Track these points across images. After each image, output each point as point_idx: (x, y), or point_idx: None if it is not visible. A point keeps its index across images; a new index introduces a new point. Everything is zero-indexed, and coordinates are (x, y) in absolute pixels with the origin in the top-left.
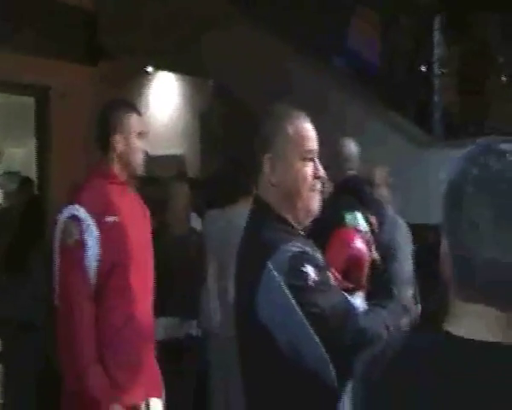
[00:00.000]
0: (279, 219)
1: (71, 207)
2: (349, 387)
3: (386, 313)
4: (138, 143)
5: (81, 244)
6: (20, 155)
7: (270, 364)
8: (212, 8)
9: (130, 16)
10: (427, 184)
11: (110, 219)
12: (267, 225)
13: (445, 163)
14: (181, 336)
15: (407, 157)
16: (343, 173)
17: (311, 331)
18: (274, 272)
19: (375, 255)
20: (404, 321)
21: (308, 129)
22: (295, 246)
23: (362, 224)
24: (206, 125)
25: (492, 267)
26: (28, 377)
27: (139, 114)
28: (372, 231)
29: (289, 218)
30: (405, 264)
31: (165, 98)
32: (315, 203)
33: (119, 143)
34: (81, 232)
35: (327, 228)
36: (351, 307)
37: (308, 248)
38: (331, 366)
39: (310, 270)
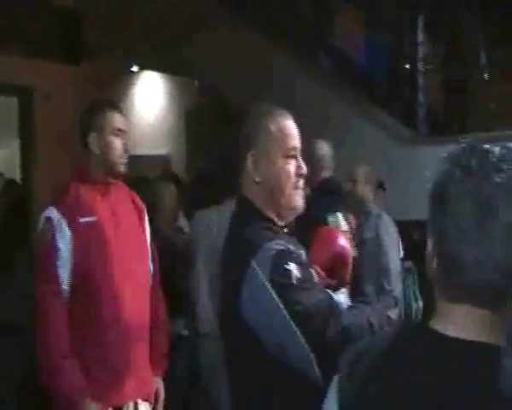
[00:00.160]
0: (262, 217)
1: (47, 208)
2: (334, 384)
3: (369, 310)
4: (116, 141)
5: (52, 245)
6: (3, 156)
7: (254, 362)
8: (198, 8)
9: (114, 15)
10: (413, 181)
11: (84, 220)
12: (250, 223)
13: (429, 160)
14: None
15: (392, 155)
16: (317, 174)
17: (295, 329)
18: (257, 270)
19: (355, 254)
20: (394, 312)
21: (291, 127)
22: (279, 244)
23: (343, 224)
24: (191, 124)
25: (476, 268)
26: (13, 379)
27: (118, 111)
28: (351, 230)
29: (273, 216)
30: (393, 258)
31: (150, 98)
32: (298, 200)
33: (95, 142)
34: (53, 234)
35: (309, 228)
36: (334, 305)
37: (291, 246)
38: (316, 364)
39: (293, 267)
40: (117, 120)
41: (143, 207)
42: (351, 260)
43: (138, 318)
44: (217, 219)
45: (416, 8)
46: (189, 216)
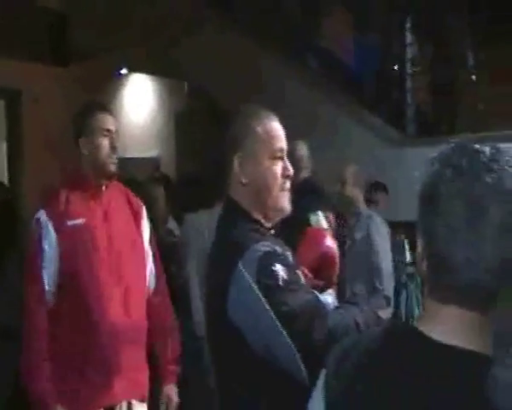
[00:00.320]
0: (249, 219)
1: (38, 211)
2: (320, 381)
3: (356, 310)
4: (104, 142)
5: (38, 247)
6: None
7: (241, 363)
8: (187, 11)
9: (103, 18)
10: (401, 182)
11: (72, 222)
12: (237, 225)
13: (418, 161)
14: None
15: (380, 156)
16: (297, 175)
17: (282, 330)
18: (244, 271)
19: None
20: (386, 312)
21: (277, 128)
22: (265, 245)
23: (323, 223)
24: (181, 126)
25: (467, 268)
26: (4, 386)
27: (106, 112)
28: (331, 228)
29: (259, 217)
30: (384, 258)
31: (139, 100)
32: (285, 202)
33: (84, 144)
34: (40, 236)
35: (293, 228)
36: (320, 305)
37: (278, 248)
38: (302, 365)
39: (280, 269)
40: (105, 120)
41: (141, 207)
42: (337, 261)
43: (129, 320)
44: (207, 223)
45: (403, 10)
46: (178, 219)
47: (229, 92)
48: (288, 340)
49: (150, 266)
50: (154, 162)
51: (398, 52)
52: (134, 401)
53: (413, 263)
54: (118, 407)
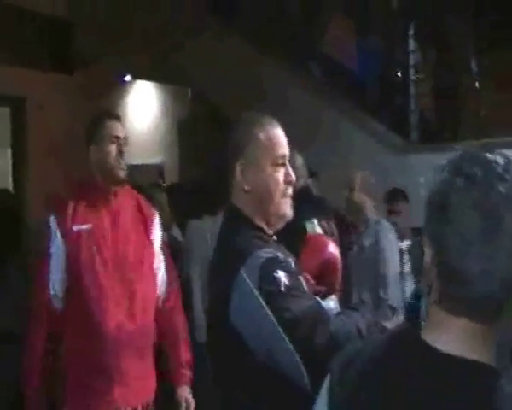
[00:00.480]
0: (252, 226)
1: (48, 216)
2: (324, 388)
3: (359, 316)
4: (112, 148)
5: (46, 252)
6: None
7: (243, 369)
8: (189, 18)
9: (106, 25)
10: (405, 188)
11: (79, 227)
12: (240, 231)
13: (421, 168)
14: None
15: (383, 162)
16: (296, 184)
17: (284, 336)
18: (246, 277)
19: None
20: (392, 323)
21: (279, 135)
22: (267, 252)
23: (318, 229)
24: (184, 133)
25: (482, 280)
26: (7, 392)
27: (114, 118)
28: (325, 234)
29: (262, 224)
30: (391, 265)
31: (143, 107)
32: (287, 208)
33: (93, 151)
34: (48, 241)
35: (291, 236)
36: (322, 311)
37: (280, 254)
38: (305, 371)
39: (282, 275)
40: (114, 127)
41: (152, 213)
42: (340, 267)
43: (134, 326)
44: (210, 229)
45: (407, 15)
46: (182, 225)
47: (232, 99)
48: (290, 346)
49: (161, 272)
50: (157, 169)
51: (401, 58)
52: (139, 408)
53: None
54: None
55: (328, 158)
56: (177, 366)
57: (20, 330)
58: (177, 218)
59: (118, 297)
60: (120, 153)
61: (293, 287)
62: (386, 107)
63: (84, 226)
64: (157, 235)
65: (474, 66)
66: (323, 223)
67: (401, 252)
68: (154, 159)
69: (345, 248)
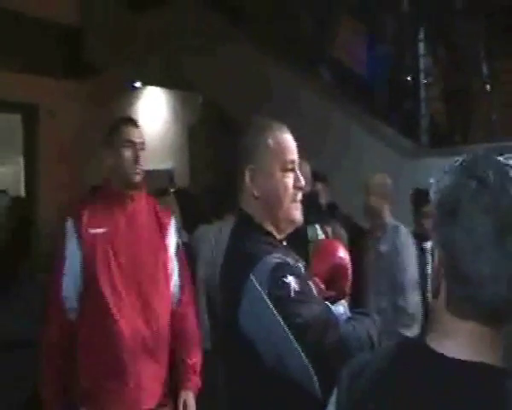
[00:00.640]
0: (261, 231)
1: (66, 220)
2: (333, 397)
3: (369, 322)
4: (126, 152)
5: (61, 254)
6: (8, 173)
7: (252, 374)
8: (200, 24)
9: (117, 32)
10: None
11: (94, 231)
12: (249, 236)
13: (431, 172)
14: None
15: (393, 166)
16: None
17: (294, 341)
18: (256, 283)
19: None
20: (411, 331)
21: (288, 140)
22: (277, 257)
23: (320, 234)
24: (195, 139)
25: (493, 283)
26: (19, 398)
27: (130, 123)
28: (327, 238)
29: (271, 229)
30: (409, 270)
31: (153, 113)
32: (296, 213)
33: (109, 156)
34: (64, 244)
35: (294, 240)
36: (332, 317)
37: (290, 259)
38: (315, 377)
39: (291, 280)
40: (129, 132)
41: (168, 219)
42: (350, 272)
43: (148, 330)
44: (216, 234)
45: (417, 19)
46: (190, 230)
47: (242, 104)
48: (300, 351)
49: (175, 277)
50: (168, 174)
51: (411, 62)
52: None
53: None
54: None
55: (339, 162)
56: (184, 369)
57: (32, 335)
58: (186, 223)
59: (133, 300)
60: (136, 158)
61: (303, 292)
62: (396, 110)
63: (100, 230)
64: (172, 240)
65: (485, 69)
66: (326, 228)
67: (424, 252)
68: (165, 164)
69: (357, 254)
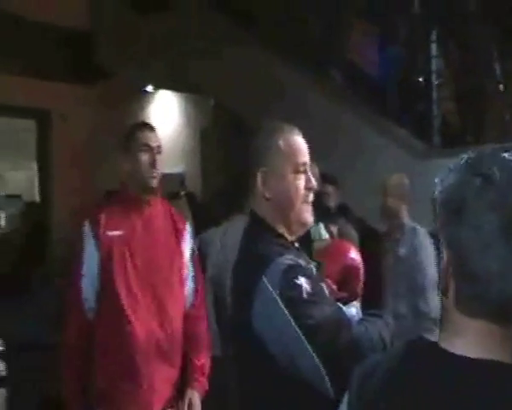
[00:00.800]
0: (273, 233)
1: (84, 223)
2: (345, 397)
3: (381, 323)
4: (143, 157)
5: (79, 257)
6: (22, 178)
7: (265, 374)
8: (210, 27)
9: (127, 35)
10: (427, 193)
11: (111, 233)
12: (261, 238)
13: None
14: None
15: (405, 168)
16: None
17: (306, 343)
18: (268, 285)
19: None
20: (434, 336)
21: (300, 142)
22: (288, 259)
23: (323, 233)
24: (206, 142)
25: (500, 280)
26: (33, 401)
27: (146, 128)
28: (332, 237)
29: (283, 231)
30: (429, 271)
31: (164, 117)
32: (308, 215)
33: (126, 160)
34: (82, 246)
35: (300, 240)
36: (344, 318)
37: (301, 261)
38: (326, 378)
39: (303, 281)
40: (145, 136)
41: (184, 225)
42: (362, 273)
43: (162, 332)
44: (222, 237)
45: (429, 20)
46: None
47: (253, 107)
48: (312, 352)
49: (189, 282)
50: (179, 178)
51: (423, 63)
52: None
53: None
54: None
55: (351, 164)
56: (192, 369)
57: (46, 339)
58: (198, 227)
59: (148, 302)
60: (153, 162)
61: (315, 293)
62: (407, 112)
63: (117, 232)
64: (187, 244)
65: (497, 69)
66: (330, 227)
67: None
68: (176, 168)
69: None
